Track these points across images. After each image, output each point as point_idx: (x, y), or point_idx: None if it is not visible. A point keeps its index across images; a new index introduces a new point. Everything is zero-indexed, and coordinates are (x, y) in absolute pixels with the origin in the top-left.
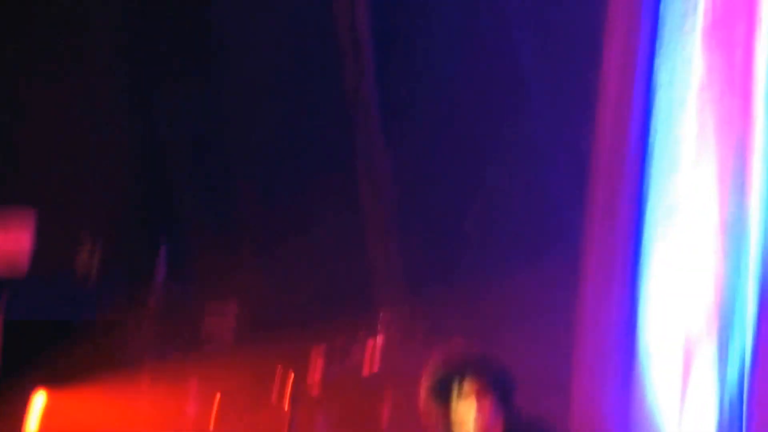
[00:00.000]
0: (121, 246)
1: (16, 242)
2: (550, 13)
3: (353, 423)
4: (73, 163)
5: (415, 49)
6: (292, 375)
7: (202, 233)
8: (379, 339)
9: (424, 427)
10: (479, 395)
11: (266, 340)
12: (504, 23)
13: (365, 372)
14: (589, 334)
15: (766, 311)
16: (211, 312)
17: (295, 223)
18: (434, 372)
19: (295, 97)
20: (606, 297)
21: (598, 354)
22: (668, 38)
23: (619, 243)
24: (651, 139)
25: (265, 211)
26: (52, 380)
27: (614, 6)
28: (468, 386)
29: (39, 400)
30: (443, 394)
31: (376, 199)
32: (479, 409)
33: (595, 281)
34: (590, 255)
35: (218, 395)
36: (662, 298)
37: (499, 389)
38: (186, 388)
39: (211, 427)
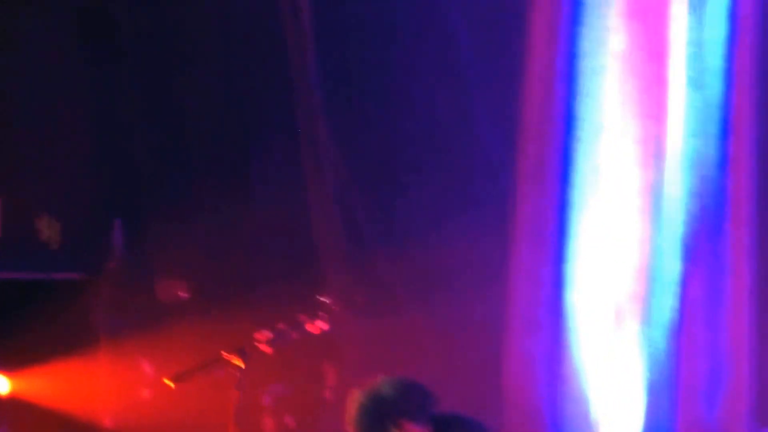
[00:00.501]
0: (80, 218)
1: None
2: None
3: (299, 396)
4: (37, 141)
5: (352, 20)
6: (241, 350)
7: (158, 208)
8: (324, 311)
9: None
10: (400, 427)
11: (215, 313)
12: None
13: (311, 347)
14: (520, 294)
15: (690, 271)
16: (163, 283)
17: (244, 202)
18: (354, 421)
19: (243, 88)
20: (536, 257)
21: (528, 312)
22: (590, 7)
23: (548, 205)
24: (576, 105)
25: (216, 188)
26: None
27: None
28: (389, 426)
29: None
30: None
31: (320, 177)
32: None
33: (526, 242)
34: (521, 217)
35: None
36: (590, 259)
37: (413, 413)
38: (140, 358)
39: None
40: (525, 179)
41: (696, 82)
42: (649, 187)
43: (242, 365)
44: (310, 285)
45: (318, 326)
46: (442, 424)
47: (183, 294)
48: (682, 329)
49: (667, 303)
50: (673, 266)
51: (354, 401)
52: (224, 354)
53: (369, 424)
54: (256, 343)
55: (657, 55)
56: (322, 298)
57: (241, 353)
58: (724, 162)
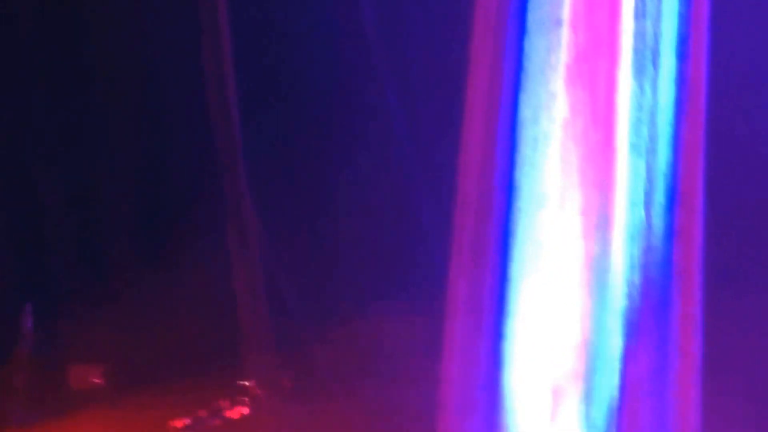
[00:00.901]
0: None
1: None
2: (411, 49)
3: None
4: None
5: (273, 47)
6: None
7: (71, 291)
8: (246, 396)
9: None
10: None
11: (130, 400)
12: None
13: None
14: (455, 375)
15: (634, 346)
16: (77, 369)
17: (162, 285)
18: None
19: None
20: (472, 335)
21: (464, 394)
22: (532, 73)
23: (485, 280)
24: (516, 175)
25: (133, 271)
26: None
27: (478, 41)
28: None
29: None
30: None
31: (246, 258)
32: None
33: (461, 319)
34: (456, 293)
35: None
36: (528, 336)
37: None
38: None
39: None
40: (461, 253)
41: (642, 149)
42: (592, 259)
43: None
44: (231, 370)
45: (238, 411)
46: None
47: (97, 380)
48: (623, 408)
49: (609, 381)
50: (615, 342)
51: None
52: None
53: None
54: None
55: (602, 122)
56: (243, 382)
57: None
58: (670, 232)
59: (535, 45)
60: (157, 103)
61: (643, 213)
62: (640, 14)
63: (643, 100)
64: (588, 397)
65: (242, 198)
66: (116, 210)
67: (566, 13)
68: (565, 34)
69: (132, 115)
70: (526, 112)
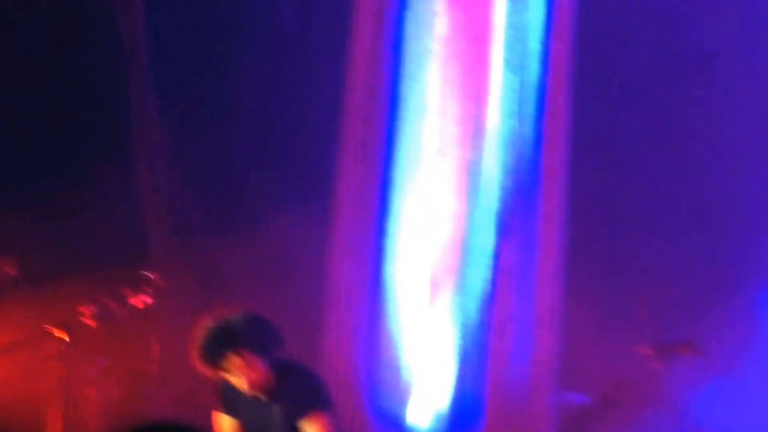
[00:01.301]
0: None
1: None
2: None
3: (125, 371)
4: None
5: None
6: (66, 324)
7: None
8: (149, 286)
9: (195, 374)
10: (241, 355)
11: (42, 290)
12: None
13: (137, 321)
14: (342, 269)
15: (503, 244)
16: None
17: (72, 180)
18: (200, 343)
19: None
20: (358, 233)
21: (349, 286)
22: None
23: (370, 183)
24: (400, 86)
25: (44, 166)
26: None
27: None
28: (230, 352)
29: None
30: (211, 361)
31: (150, 159)
32: (244, 366)
33: (348, 219)
34: (344, 195)
35: None
36: (409, 234)
37: (257, 345)
38: None
39: None
40: (349, 159)
41: (514, 65)
42: (467, 164)
43: (66, 338)
44: (137, 262)
45: (142, 300)
46: (281, 367)
47: (11, 270)
48: (493, 299)
49: (481, 274)
50: (487, 240)
51: (203, 327)
52: (48, 328)
53: (210, 348)
54: (81, 318)
55: (478, 39)
56: (146, 273)
57: (66, 327)
58: (538, 141)
59: None
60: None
61: (515, 123)
62: None
63: (517, 20)
64: (462, 289)
65: (149, 114)
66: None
67: None
68: None
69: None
70: (409, 28)
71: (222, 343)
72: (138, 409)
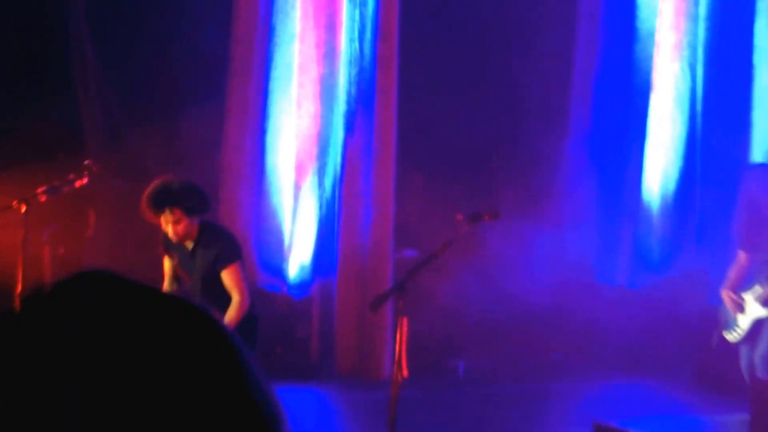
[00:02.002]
0: None
1: None
2: None
3: (70, 235)
4: None
5: None
6: (26, 199)
7: None
8: (89, 172)
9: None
10: (172, 212)
11: (7, 176)
12: None
13: (78, 197)
14: (233, 159)
15: (350, 138)
16: None
17: (28, 93)
18: (146, 196)
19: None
20: (243, 132)
21: (239, 172)
22: None
23: (254, 92)
24: (275, 21)
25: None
26: None
27: None
28: (166, 207)
29: None
30: (152, 211)
31: (85, 75)
32: (172, 220)
33: (236, 121)
34: (232, 103)
35: None
36: (282, 132)
37: (186, 207)
38: None
39: None
40: (237, 75)
41: (356, 1)
42: (322, 78)
43: (23, 211)
44: (78, 153)
45: (82, 182)
46: (204, 227)
47: None
48: (343, 179)
49: (334, 160)
50: (338, 134)
51: (153, 184)
52: (14, 203)
53: (151, 202)
54: (37, 196)
55: None
56: (85, 162)
57: (26, 201)
58: (374, 59)
59: None
60: None
61: (357, 46)
62: None
63: None
64: (320, 171)
65: (83, 33)
66: None
67: None
68: None
69: None
70: None
71: (160, 200)
72: (78, 262)
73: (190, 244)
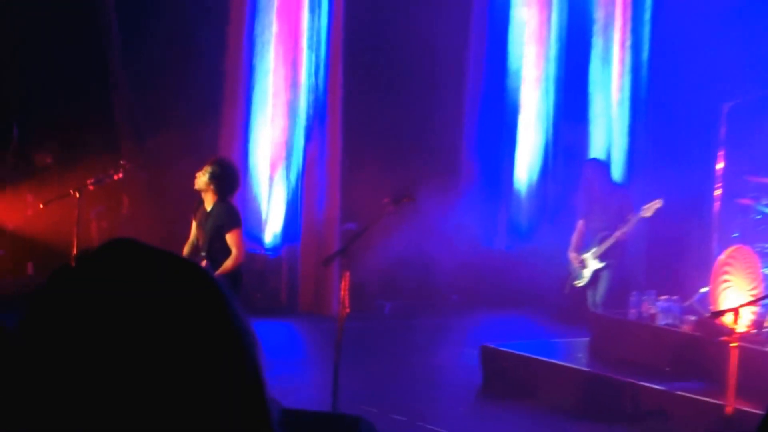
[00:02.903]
0: None
1: None
2: None
3: (111, 214)
4: None
5: None
6: (80, 188)
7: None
8: (123, 169)
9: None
10: (210, 181)
11: (65, 171)
12: None
13: (116, 186)
14: (227, 146)
15: (310, 131)
16: (38, 154)
17: (78, 108)
18: (201, 170)
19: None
20: (234, 139)
21: (233, 155)
22: None
23: (239, 112)
24: (254, 59)
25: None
26: None
27: None
28: (207, 177)
29: None
30: (199, 181)
31: (121, 87)
32: (206, 188)
33: (228, 132)
34: (225, 118)
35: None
36: (260, 141)
37: (219, 181)
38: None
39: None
40: (227, 99)
41: (312, 46)
42: (289, 101)
43: (77, 196)
44: (115, 154)
45: (119, 176)
46: (223, 200)
47: (48, 160)
48: (304, 173)
49: (297, 160)
50: (300, 140)
51: (210, 161)
52: (71, 191)
53: (202, 173)
54: (87, 185)
55: (293, 34)
56: (121, 162)
57: (79, 190)
58: (325, 88)
59: None
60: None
61: (313, 79)
62: None
63: (312, 24)
64: (287, 166)
65: (118, 68)
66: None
67: None
68: None
69: None
70: (257, 29)
71: (208, 172)
72: (116, 233)
73: (209, 206)
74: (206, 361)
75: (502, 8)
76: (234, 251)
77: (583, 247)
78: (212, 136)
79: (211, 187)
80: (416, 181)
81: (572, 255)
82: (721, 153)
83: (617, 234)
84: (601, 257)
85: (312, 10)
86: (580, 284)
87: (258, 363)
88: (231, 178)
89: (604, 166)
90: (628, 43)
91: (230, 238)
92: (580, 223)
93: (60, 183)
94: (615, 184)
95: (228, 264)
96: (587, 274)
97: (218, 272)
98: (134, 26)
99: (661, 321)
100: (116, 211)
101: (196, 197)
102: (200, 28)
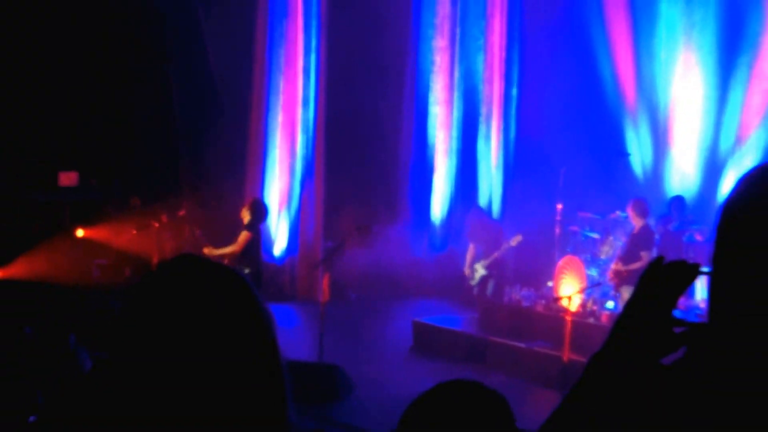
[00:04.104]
0: None
1: None
2: None
3: (177, 240)
4: None
5: None
6: (159, 221)
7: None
8: (187, 208)
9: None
10: (248, 211)
11: (146, 211)
12: None
13: (178, 222)
14: (250, 194)
15: (303, 187)
16: (132, 201)
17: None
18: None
19: None
20: (257, 183)
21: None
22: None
23: (257, 167)
24: (269, 122)
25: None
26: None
27: None
28: (247, 207)
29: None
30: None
31: (184, 158)
32: (246, 213)
33: (252, 178)
34: (249, 170)
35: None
36: (271, 181)
37: (255, 211)
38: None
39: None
40: (251, 156)
41: (306, 100)
42: (290, 147)
43: (156, 226)
44: (177, 200)
45: (182, 212)
46: (250, 223)
47: (137, 203)
48: (300, 208)
49: (295, 199)
50: (297, 185)
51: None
52: (152, 222)
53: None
54: (162, 218)
55: (292, 86)
56: (183, 202)
57: (158, 222)
58: (315, 139)
59: None
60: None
61: (311, 133)
62: None
63: (307, 64)
64: (289, 205)
65: (179, 130)
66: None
67: None
68: None
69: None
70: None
71: (249, 204)
72: (183, 250)
73: (245, 220)
74: (243, 328)
75: (423, 102)
76: (234, 247)
77: (473, 262)
78: (239, 185)
79: (249, 216)
80: (373, 214)
81: (466, 267)
82: (559, 200)
83: (494, 255)
84: (486, 268)
85: (305, 104)
86: (473, 284)
87: (274, 330)
88: (262, 211)
89: (483, 210)
90: (502, 127)
91: (240, 236)
92: (471, 246)
93: (145, 217)
94: (493, 220)
95: (227, 250)
96: (477, 277)
97: (222, 251)
98: (192, 115)
99: (524, 303)
100: (183, 237)
101: (236, 226)
102: (232, 101)
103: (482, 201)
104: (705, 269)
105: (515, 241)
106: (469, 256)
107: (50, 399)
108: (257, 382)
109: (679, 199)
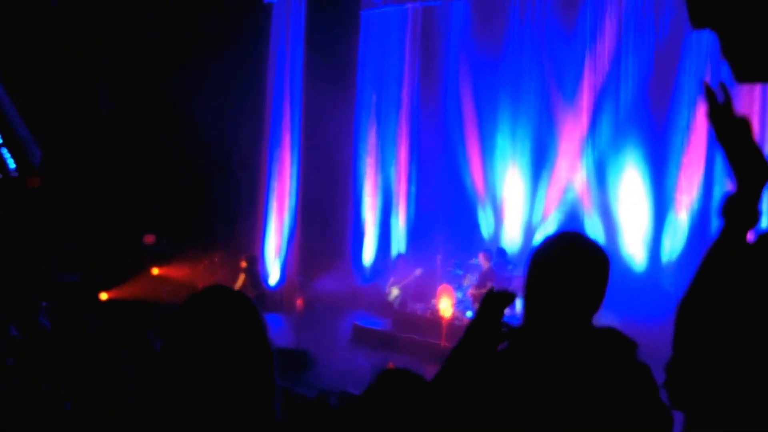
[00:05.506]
0: None
1: None
2: None
3: (219, 280)
4: None
5: None
6: (210, 263)
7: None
8: (219, 253)
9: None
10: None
11: (198, 261)
12: None
13: (217, 267)
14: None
15: (290, 245)
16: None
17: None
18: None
19: None
20: (260, 234)
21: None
22: None
23: (262, 224)
24: (271, 167)
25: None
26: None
27: None
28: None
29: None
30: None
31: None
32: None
33: (258, 230)
34: (258, 220)
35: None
36: (270, 236)
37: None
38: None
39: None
40: (262, 180)
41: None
42: (283, 216)
43: (202, 266)
44: (215, 249)
45: (216, 258)
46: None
47: (191, 251)
48: (287, 255)
49: (284, 249)
50: (285, 243)
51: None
52: (198, 264)
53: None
54: (203, 262)
55: None
56: (216, 251)
57: (202, 265)
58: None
59: None
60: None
61: (293, 203)
62: None
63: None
64: (281, 249)
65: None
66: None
67: None
68: None
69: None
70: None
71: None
72: (219, 283)
73: (243, 266)
74: (250, 336)
75: (359, 192)
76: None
77: (391, 286)
78: (249, 236)
79: (246, 264)
80: (330, 258)
81: (387, 289)
82: (439, 254)
83: (404, 281)
84: (400, 288)
85: (291, 185)
86: (390, 300)
87: (268, 335)
88: (255, 261)
89: (399, 255)
90: (406, 210)
91: (239, 278)
92: (392, 279)
93: (194, 261)
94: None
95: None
96: (393, 296)
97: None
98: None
99: (419, 312)
100: (222, 280)
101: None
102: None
103: (394, 252)
104: (517, 295)
105: (417, 273)
106: (389, 284)
107: (136, 371)
108: (256, 374)
109: (502, 251)
